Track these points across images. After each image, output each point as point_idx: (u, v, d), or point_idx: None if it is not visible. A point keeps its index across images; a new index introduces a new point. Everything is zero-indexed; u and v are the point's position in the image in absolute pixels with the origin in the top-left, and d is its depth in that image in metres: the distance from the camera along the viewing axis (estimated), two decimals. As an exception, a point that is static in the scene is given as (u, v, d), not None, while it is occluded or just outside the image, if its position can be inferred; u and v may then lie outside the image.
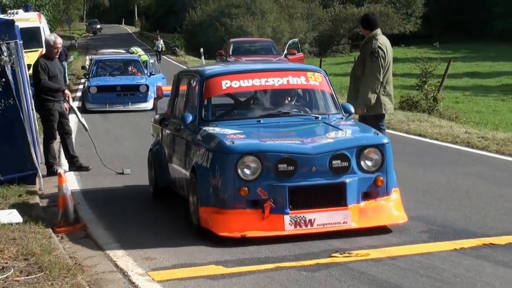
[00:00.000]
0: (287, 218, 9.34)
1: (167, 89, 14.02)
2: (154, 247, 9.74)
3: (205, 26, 71.50)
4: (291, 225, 9.34)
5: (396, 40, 66.56)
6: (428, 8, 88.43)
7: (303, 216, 9.39)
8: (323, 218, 9.43)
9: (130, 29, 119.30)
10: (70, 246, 9.88)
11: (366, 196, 9.78)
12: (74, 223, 10.67)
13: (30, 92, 14.12)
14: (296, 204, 9.46)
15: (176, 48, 71.81)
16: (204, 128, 10.44)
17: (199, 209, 9.78)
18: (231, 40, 38.86)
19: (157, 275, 8.45)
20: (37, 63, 15.02)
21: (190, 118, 10.71)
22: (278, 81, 11.12)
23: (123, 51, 40.78)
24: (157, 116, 13.47)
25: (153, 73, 32.01)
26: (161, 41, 63.41)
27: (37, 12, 38.19)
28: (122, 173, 14.94)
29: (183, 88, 12.17)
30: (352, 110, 11.28)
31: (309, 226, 9.40)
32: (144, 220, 11.37)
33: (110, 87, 28.52)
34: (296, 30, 70.63)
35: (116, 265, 8.99)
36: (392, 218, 9.87)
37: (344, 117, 11.09)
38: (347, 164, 9.56)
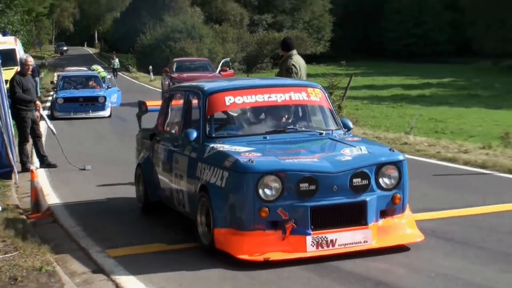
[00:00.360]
0: (309, 239, 7.48)
1: (152, 104, 12.26)
2: (111, 229, 9.78)
3: (153, 48, 71.19)
4: (313, 246, 7.49)
5: (309, 59, 66.68)
6: (335, 34, 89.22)
7: (325, 237, 7.54)
8: (344, 238, 7.60)
9: (91, 50, 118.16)
10: (41, 230, 9.80)
11: (383, 214, 7.97)
12: (44, 210, 10.60)
13: (7, 103, 13.96)
14: (317, 224, 7.57)
15: (129, 66, 71.41)
16: (211, 145, 8.42)
17: (213, 230, 7.80)
18: (175, 59, 38.61)
19: (112, 252, 8.45)
20: (13, 79, 14.92)
21: (194, 134, 8.65)
22: (281, 96, 9.11)
23: (85, 69, 40.44)
24: (143, 131, 11.34)
25: (110, 86, 31.83)
26: (117, 60, 62.83)
27: (13, 36, 37.73)
28: (84, 169, 14.83)
29: (177, 104, 10.20)
30: (351, 125, 9.48)
31: (330, 247, 7.56)
32: (103, 206, 11.31)
33: (74, 98, 28.38)
34: (228, 51, 70.60)
35: (79, 245, 8.96)
36: (410, 236, 8.12)
37: (345, 133, 9.25)
38: (367, 182, 7.77)
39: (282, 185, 7.49)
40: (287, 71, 12.30)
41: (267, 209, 7.45)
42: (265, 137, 8.76)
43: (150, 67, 58.26)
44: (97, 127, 24.99)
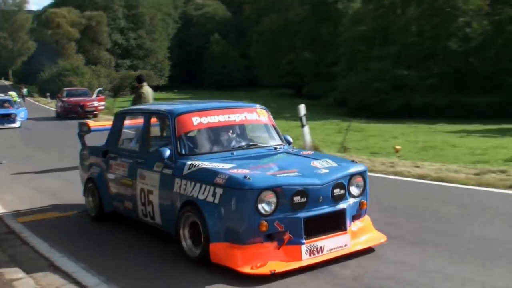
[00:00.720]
0: (303, 248, 5.62)
1: (95, 125, 9.95)
2: (20, 202, 9.18)
3: (50, 81, 67.73)
4: (306, 254, 5.64)
5: (155, 88, 65.93)
6: (171, 72, 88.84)
7: (316, 244, 5.70)
8: (330, 244, 5.79)
9: (7, 83, 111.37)
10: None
11: (353, 218, 6.13)
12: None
13: None
14: (308, 233, 5.71)
15: (33, 93, 68.06)
16: (188, 162, 6.17)
17: (209, 245, 5.65)
18: (64, 88, 37.01)
19: (21, 219, 8.01)
20: None
21: (167, 152, 6.36)
22: (238, 116, 7.00)
23: (3, 95, 38.16)
24: (91, 148, 8.39)
25: (19, 107, 30.01)
26: (25, 89, 59.86)
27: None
28: (1, 163, 13.93)
29: (133, 124, 8.08)
30: (291, 140, 7.38)
31: (320, 253, 5.72)
32: (15, 187, 10.56)
33: (-6, 115, 26.78)
34: (101, 83, 68.37)
35: (-3, 215, 8.41)
36: (376, 238, 6.28)
37: (292, 147, 7.30)
38: (344, 191, 5.98)
39: (278, 199, 5.54)
40: (139, 96, 12.33)
41: (266, 223, 5.46)
42: (232, 153, 6.55)
43: (48, 94, 55.71)
44: (10, 134, 23.54)
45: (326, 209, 5.82)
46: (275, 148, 6.91)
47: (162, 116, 7.08)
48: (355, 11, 55.53)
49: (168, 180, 6.29)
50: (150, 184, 6.60)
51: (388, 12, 48.23)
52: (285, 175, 5.78)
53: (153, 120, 7.44)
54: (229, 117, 6.91)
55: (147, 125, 7.25)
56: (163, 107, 7.19)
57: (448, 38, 42.89)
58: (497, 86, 39.31)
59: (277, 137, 7.16)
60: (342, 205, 5.94)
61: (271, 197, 5.49)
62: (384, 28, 47.28)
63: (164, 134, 7.22)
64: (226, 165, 5.95)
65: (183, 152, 6.39)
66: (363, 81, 45.08)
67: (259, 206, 5.45)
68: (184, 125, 6.59)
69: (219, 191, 5.60)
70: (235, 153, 6.56)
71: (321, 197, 5.77)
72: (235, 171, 5.74)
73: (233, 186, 5.50)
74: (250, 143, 6.90)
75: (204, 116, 6.76)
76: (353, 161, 6.46)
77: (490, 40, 41.37)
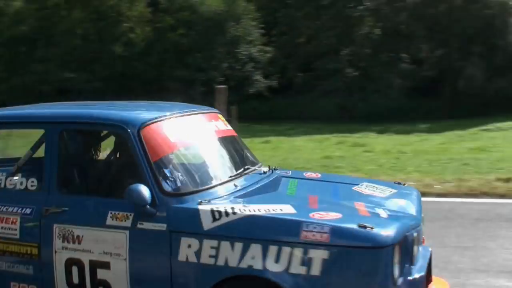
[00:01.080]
0: None
1: None
2: None
3: None
4: None
5: None
6: None
7: None
8: None
9: None
10: None
11: None
12: None
13: None
14: None
15: None
16: (206, 208, 3.42)
17: None
18: None
19: None
20: None
21: (147, 193, 3.44)
22: (213, 126, 4.33)
23: None
24: None
25: None
26: None
27: None
28: None
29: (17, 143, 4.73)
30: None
31: None
32: None
33: None
34: None
35: None
36: (440, 285, 4.04)
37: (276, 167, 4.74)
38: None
39: (400, 255, 3.33)
40: None
41: None
42: (235, 185, 3.88)
43: None
44: None
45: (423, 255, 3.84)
46: (264, 172, 4.40)
47: (105, 127, 4.09)
48: (16, 10, 52.36)
49: (159, 241, 3.50)
50: (97, 252, 3.66)
51: (52, 13, 46.69)
52: (385, 216, 3.56)
53: (89, 139, 4.50)
54: (206, 128, 4.26)
55: (58, 147, 3.96)
56: (99, 112, 4.10)
57: (113, 42, 43.13)
58: (161, 89, 40.76)
59: (251, 155, 4.67)
60: (428, 247, 4.02)
61: (399, 254, 3.32)
62: (48, 29, 45.57)
63: (96, 157, 4.44)
64: (283, 207, 3.48)
65: (170, 189, 3.63)
66: (25, 84, 42.49)
67: (395, 270, 3.24)
68: (159, 143, 3.79)
69: (318, 254, 3.22)
70: (237, 183, 3.91)
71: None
72: (318, 216, 3.35)
73: (351, 243, 3.19)
74: (246, 167, 4.24)
75: (179, 127, 4.02)
76: (399, 183, 4.56)
77: (152, 46, 42.79)
